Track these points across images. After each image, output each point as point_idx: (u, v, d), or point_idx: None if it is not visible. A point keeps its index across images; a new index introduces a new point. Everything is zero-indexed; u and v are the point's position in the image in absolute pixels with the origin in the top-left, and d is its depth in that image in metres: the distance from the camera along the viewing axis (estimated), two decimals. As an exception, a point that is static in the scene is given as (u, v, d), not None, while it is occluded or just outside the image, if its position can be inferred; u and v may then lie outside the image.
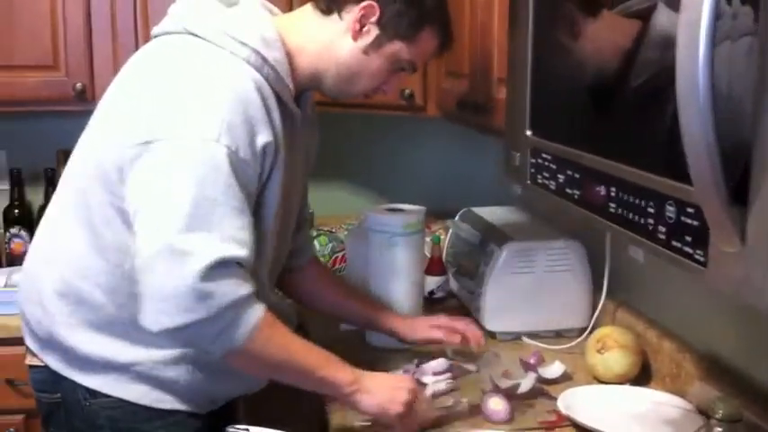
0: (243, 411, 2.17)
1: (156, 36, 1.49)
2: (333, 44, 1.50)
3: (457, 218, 2.33)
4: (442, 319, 1.82)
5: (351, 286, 1.94)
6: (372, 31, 1.49)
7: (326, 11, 1.51)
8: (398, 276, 1.89)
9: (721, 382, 1.51)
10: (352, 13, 1.48)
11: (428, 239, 2.26)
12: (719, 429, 1.15)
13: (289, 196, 1.52)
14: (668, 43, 0.77)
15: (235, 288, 1.29)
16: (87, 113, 1.52)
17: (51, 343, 1.48)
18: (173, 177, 1.29)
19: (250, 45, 1.38)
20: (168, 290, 1.26)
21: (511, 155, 1.45)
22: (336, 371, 1.44)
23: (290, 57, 1.46)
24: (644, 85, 0.99)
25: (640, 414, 1.56)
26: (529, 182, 1.38)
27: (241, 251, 1.30)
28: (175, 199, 1.28)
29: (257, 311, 1.32)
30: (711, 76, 0.73)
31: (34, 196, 2.65)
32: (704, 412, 1.44)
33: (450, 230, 2.35)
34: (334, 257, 2.41)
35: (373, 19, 1.48)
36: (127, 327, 1.41)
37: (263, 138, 1.35)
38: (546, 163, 1.30)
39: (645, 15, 0.98)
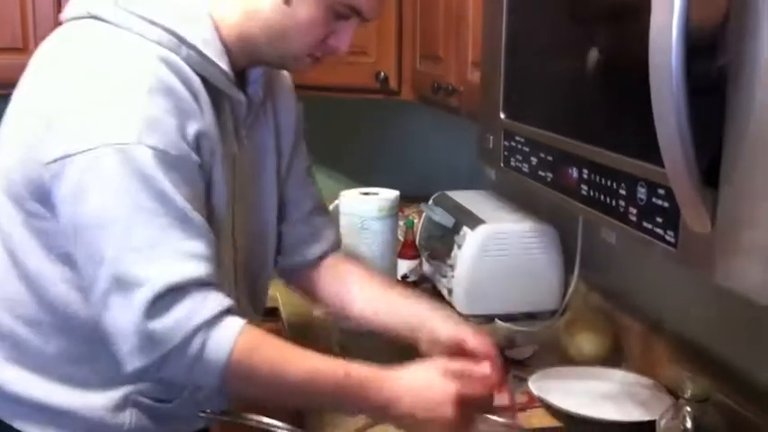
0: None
1: (62, 23, 1.27)
2: (250, 5, 1.24)
3: (430, 202, 2.33)
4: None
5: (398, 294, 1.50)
6: None
7: None
8: (372, 260, 1.90)
9: (691, 362, 1.53)
10: None
11: (401, 223, 2.26)
12: (688, 409, 1.17)
13: (246, 196, 1.35)
14: (642, 26, 0.78)
15: (191, 313, 1.10)
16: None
17: None
18: (99, 195, 1.10)
19: (160, 23, 1.16)
20: (121, 328, 1.11)
21: (484, 138, 1.45)
22: (357, 396, 1.18)
23: (218, 32, 1.23)
24: (616, 67, 1.00)
25: (611, 394, 1.58)
26: (502, 165, 1.38)
27: (195, 267, 1.11)
28: (108, 221, 1.10)
29: (231, 330, 1.12)
30: (685, 57, 0.73)
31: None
32: (674, 392, 1.47)
33: (424, 214, 2.36)
34: (307, 241, 2.41)
35: None
36: (56, 365, 1.23)
37: (195, 126, 1.16)
38: (519, 146, 1.30)
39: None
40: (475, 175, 2.63)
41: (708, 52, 0.76)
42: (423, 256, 2.26)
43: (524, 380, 1.64)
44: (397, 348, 1.83)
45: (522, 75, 1.33)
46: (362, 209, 1.89)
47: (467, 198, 2.25)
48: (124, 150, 1.09)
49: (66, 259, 1.18)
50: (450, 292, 2.04)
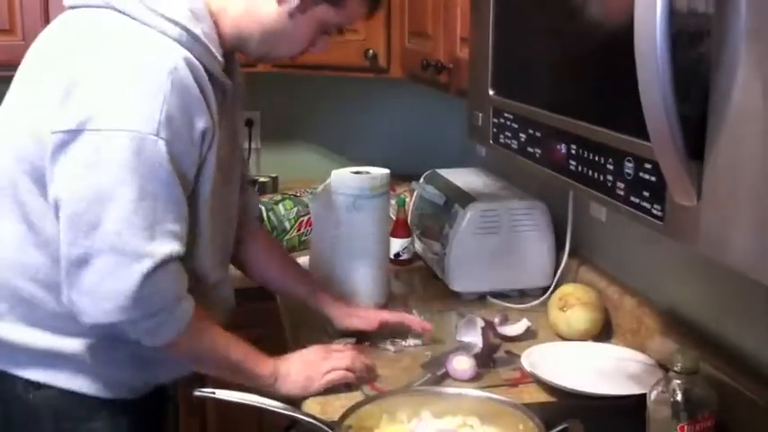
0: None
1: (72, 7, 1.38)
2: (255, 7, 1.40)
3: (422, 180, 2.33)
4: (381, 314, 1.76)
5: (294, 262, 1.86)
6: None
7: None
8: (364, 239, 1.90)
9: (681, 336, 1.54)
10: None
11: (393, 202, 2.26)
12: (678, 381, 1.18)
13: (229, 170, 1.49)
14: (629, 1, 0.78)
15: (170, 289, 1.31)
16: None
17: None
18: (112, 172, 1.24)
19: (180, 23, 1.30)
20: (108, 288, 1.26)
21: (474, 115, 1.45)
22: (256, 365, 1.47)
23: (216, 24, 1.38)
24: (603, 42, 1.00)
25: (602, 369, 1.59)
26: (491, 141, 1.38)
27: (178, 245, 1.30)
28: (115, 197, 1.24)
29: (187, 310, 1.34)
30: (669, 31, 0.73)
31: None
32: (665, 366, 1.48)
33: (415, 192, 2.36)
34: (299, 221, 2.41)
35: None
36: (67, 320, 1.36)
37: (201, 124, 1.31)
38: (508, 122, 1.30)
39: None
40: (466, 153, 2.64)
41: (692, 26, 0.76)
42: (415, 235, 2.26)
43: (517, 356, 1.65)
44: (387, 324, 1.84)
45: (510, 51, 1.32)
46: (354, 187, 1.89)
47: (458, 176, 2.26)
48: (143, 139, 1.24)
49: None
50: (442, 270, 2.04)
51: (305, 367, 1.52)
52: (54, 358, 1.40)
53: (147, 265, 1.26)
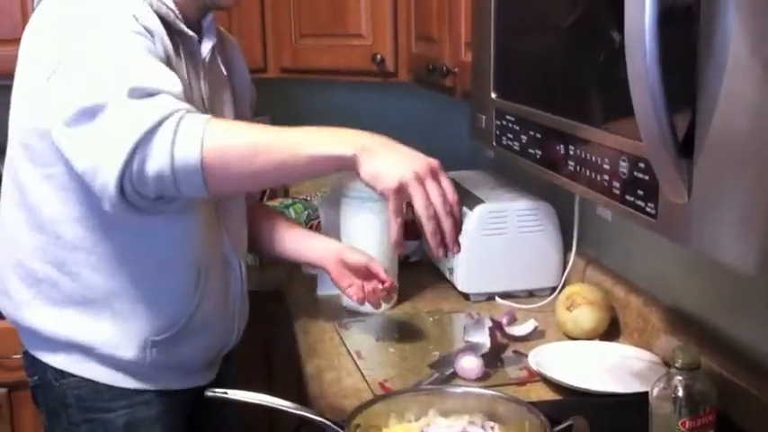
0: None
1: None
2: None
3: (430, 182, 2.34)
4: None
5: (283, 220, 1.87)
6: None
7: None
8: (373, 241, 1.92)
9: (686, 334, 1.55)
10: None
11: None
12: (679, 377, 1.19)
13: None
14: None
15: (163, 106, 1.19)
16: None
17: (21, 328, 1.51)
18: (93, 39, 1.26)
19: None
20: (116, 132, 1.18)
21: (477, 117, 1.47)
22: (328, 143, 1.28)
23: None
24: (600, 45, 1.02)
25: (609, 368, 1.61)
26: (494, 143, 1.40)
27: (173, 87, 1.23)
28: (111, 53, 1.25)
29: (199, 117, 1.20)
30: (658, 30, 0.75)
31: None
32: (670, 364, 1.49)
33: (424, 195, 2.37)
34: (309, 225, 2.43)
35: None
36: (87, 299, 1.43)
37: (158, 51, 1.31)
38: (510, 124, 1.32)
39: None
40: (474, 155, 2.65)
41: (681, 23, 0.77)
42: (424, 237, 2.27)
43: (524, 355, 1.67)
44: (396, 324, 1.87)
45: (511, 54, 1.34)
46: (363, 191, 1.91)
47: (465, 178, 2.27)
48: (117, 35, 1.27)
49: (77, 199, 1.37)
50: (451, 271, 2.06)
51: (395, 152, 1.32)
52: (72, 347, 1.45)
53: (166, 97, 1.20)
